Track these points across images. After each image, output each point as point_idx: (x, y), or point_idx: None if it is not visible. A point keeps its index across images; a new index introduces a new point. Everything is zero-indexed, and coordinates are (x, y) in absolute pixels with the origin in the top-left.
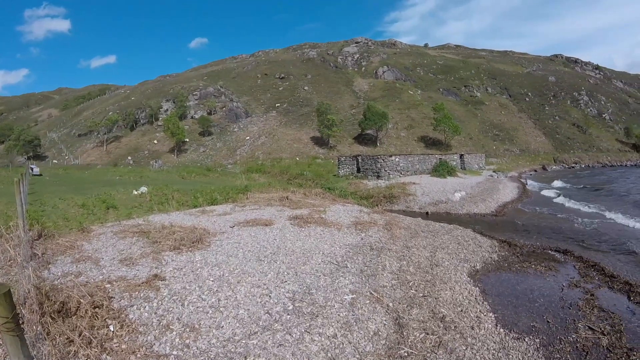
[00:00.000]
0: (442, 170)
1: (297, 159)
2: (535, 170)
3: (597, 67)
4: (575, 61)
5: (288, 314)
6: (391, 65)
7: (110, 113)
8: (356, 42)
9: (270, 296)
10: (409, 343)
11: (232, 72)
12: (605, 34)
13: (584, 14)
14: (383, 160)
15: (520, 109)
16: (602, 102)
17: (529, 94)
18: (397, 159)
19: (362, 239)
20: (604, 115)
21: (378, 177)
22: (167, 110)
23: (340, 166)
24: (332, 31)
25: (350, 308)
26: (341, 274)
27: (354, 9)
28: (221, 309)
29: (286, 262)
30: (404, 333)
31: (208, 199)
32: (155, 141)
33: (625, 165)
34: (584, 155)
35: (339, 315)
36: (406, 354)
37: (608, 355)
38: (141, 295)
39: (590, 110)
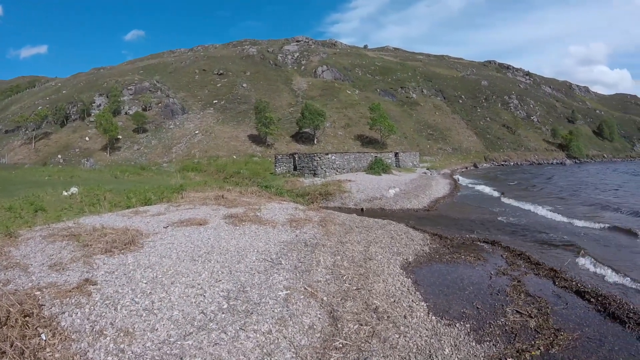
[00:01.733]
0: (377, 167)
1: (234, 157)
2: (467, 168)
3: (527, 74)
4: (507, 67)
5: (223, 313)
6: (330, 65)
7: (40, 107)
8: (297, 41)
9: (204, 296)
10: (344, 335)
11: (169, 66)
12: (536, 44)
13: (515, 26)
14: (320, 158)
15: (453, 111)
16: (531, 106)
17: (463, 96)
18: (333, 157)
19: (296, 235)
20: (532, 118)
21: (314, 174)
22: (100, 105)
23: (277, 164)
24: (273, 29)
25: (285, 304)
26: (275, 271)
27: (295, 8)
28: (155, 311)
29: (220, 261)
30: (339, 325)
31: (142, 199)
32: (87, 138)
33: (552, 163)
34: (512, 153)
35: (273, 311)
36: (341, 345)
37: (536, 336)
38: (72, 301)
39: (520, 112)
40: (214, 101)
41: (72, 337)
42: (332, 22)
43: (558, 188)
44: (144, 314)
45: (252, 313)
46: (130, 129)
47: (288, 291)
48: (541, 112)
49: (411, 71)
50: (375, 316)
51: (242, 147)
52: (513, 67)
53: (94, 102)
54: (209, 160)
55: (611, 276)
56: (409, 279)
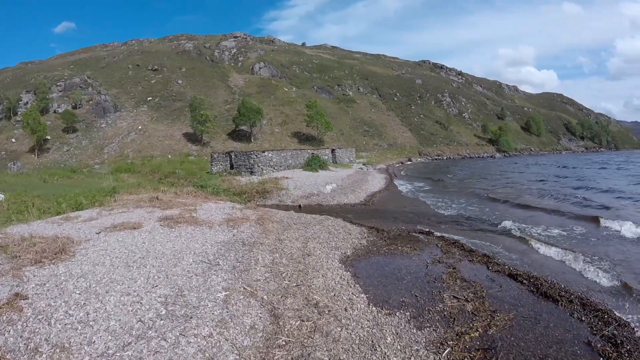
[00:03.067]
0: (314, 164)
1: (169, 156)
2: (402, 163)
3: (460, 73)
4: (441, 67)
5: (162, 319)
6: (268, 62)
7: None
8: (235, 37)
9: (141, 303)
10: (286, 332)
11: (101, 61)
12: (468, 46)
13: (449, 28)
14: (256, 155)
15: (389, 108)
16: (463, 103)
17: (398, 94)
18: (270, 155)
19: (234, 235)
20: (464, 115)
21: (251, 172)
22: (27, 103)
23: (213, 163)
24: (211, 24)
25: (225, 305)
26: (214, 272)
27: (234, 3)
28: (91, 323)
29: (156, 266)
30: (280, 323)
31: (73, 204)
32: (14, 139)
33: (482, 157)
34: (445, 148)
35: (213, 313)
36: (284, 343)
37: (474, 319)
38: (3, 318)
39: (452, 110)
40: (148, 98)
41: (7, 357)
42: (270, 19)
43: (484, 179)
44: (80, 327)
45: (191, 317)
46: (60, 128)
47: (227, 292)
48: (472, 109)
49: (348, 69)
50: (316, 311)
51: (177, 146)
52: (446, 67)
53: (21, 100)
54: (143, 160)
55: (540, 248)
56: (348, 272)
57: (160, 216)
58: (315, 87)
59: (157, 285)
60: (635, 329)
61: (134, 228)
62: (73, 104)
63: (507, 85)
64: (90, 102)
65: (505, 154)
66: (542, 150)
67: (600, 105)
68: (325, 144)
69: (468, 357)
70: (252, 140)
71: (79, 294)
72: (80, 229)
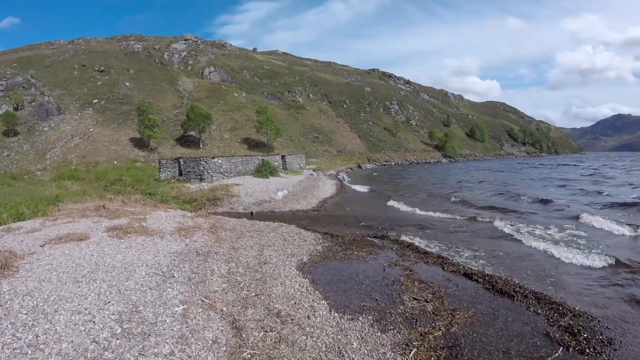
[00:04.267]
0: (264, 170)
1: (115, 162)
2: (352, 169)
3: (407, 82)
4: (390, 76)
5: (117, 339)
6: (218, 66)
7: None
8: (185, 39)
9: (94, 322)
10: (250, 344)
11: (46, 59)
12: (416, 56)
13: (398, 38)
14: (206, 162)
15: (338, 115)
16: (410, 111)
17: (347, 101)
18: (220, 161)
19: (187, 245)
20: (411, 122)
21: (201, 179)
22: None
23: (161, 170)
24: (162, 25)
25: (184, 320)
26: (169, 285)
27: (185, 6)
28: (41, 346)
29: (107, 280)
30: (244, 335)
31: (14, 214)
32: None
33: (429, 162)
34: (393, 154)
35: (172, 329)
36: (249, 356)
37: (435, 318)
38: None
39: (400, 117)
40: (94, 101)
41: None
42: (222, 23)
43: (431, 185)
44: (30, 351)
45: (149, 335)
46: (0, 131)
47: (185, 306)
48: (420, 116)
49: (298, 76)
50: (279, 320)
51: (124, 151)
52: (395, 76)
53: None
54: (88, 166)
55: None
56: (307, 279)
57: (108, 226)
58: (265, 93)
59: (109, 302)
60: (590, 318)
61: (81, 239)
62: (14, 105)
63: (452, 94)
64: (33, 103)
65: (451, 160)
66: (486, 155)
67: (541, 113)
68: (275, 150)
69: (434, 356)
70: (201, 146)
71: (25, 314)
72: (23, 241)
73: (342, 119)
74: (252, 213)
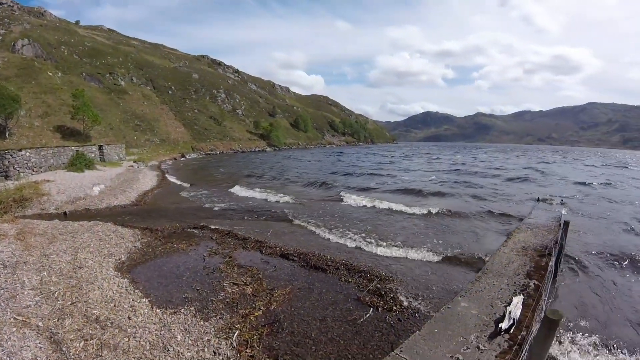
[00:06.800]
0: (79, 163)
1: None
2: (175, 159)
3: (236, 71)
4: (219, 64)
5: None
6: (34, 39)
7: None
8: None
9: None
10: (72, 356)
11: None
12: (246, 46)
13: (230, 27)
14: (12, 156)
15: (162, 101)
16: (237, 100)
17: (173, 87)
18: (28, 154)
19: None
20: (237, 111)
21: (6, 177)
22: None
23: None
24: None
25: None
26: None
27: None
28: None
29: None
30: (64, 348)
31: None
32: None
33: (254, 151)
34: (219, 143)
35: None
36: None
37: (255, 300)
38: None
39: (227, 106)
40: None
41: None
42: None
43: (261, 172)
44: None
45: None
46: None
47: None
48: (246, 106)
49: (123, 56)
50: (99, 327)
51: None
52: (224, 64)
53: None
54: None
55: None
56: (126, 279)
57: None
58: (84, 74)
59: None
60: (392, 278)
61: None
62: None
63: (280, 85)
64: None
65: (276, 148)
66: (309, 144)
67: (360, 108)
68: (93, 140)
69: (256, 334)
70: (7, 136)
71: None
72: None
73: (167, 105)
74: (65, 213)
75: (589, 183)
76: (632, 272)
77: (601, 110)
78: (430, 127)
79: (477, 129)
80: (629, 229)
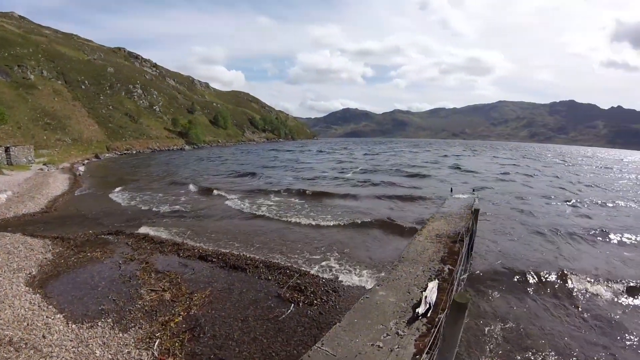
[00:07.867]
0: None
1: None
2: (89, 160)
3: (154, 65)
4: (137, 57)
5: None
6: None
7: None
8: None
9: None
10: None
11: None
12: (165, 39)
13: (149, 18)
14: None
15: (75, 97)
16: (155, 96)
17: (86, 81)
18: None
19: None
20: (155, 107)
21: None
22: None
23: None
24: None
25: None
26: None
27: None
28: None
29: None
30: None
31: None
32: None
33: (172, 150)
34: (135, 142)
35: None
36: None
37: (174, 305)
38: None
39: (143, 102)
40: None
41: None
42: None
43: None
44: None
45: None
46: None
47: None
48: (164, 102)
49: (34, 47)
50: (12, 349)
51: None
52: (142, 57)
53: None
54: None
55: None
56: (38, 295)
57: None
58: None
59: None
60: (312, 273)
61: None
62: None
63: (199, 81)
64: None
65: (195, 146)
66: (229, 142)
67: (281, 104)
68: None
69: (178, 341)
70: None
71: None
72: None
73: (80, 102)
74: None
75: (501, 173)
76: (526, 239)
77: (511, 108)
78: (349, 124)
79: (395, 125)
80: (529, 211)
